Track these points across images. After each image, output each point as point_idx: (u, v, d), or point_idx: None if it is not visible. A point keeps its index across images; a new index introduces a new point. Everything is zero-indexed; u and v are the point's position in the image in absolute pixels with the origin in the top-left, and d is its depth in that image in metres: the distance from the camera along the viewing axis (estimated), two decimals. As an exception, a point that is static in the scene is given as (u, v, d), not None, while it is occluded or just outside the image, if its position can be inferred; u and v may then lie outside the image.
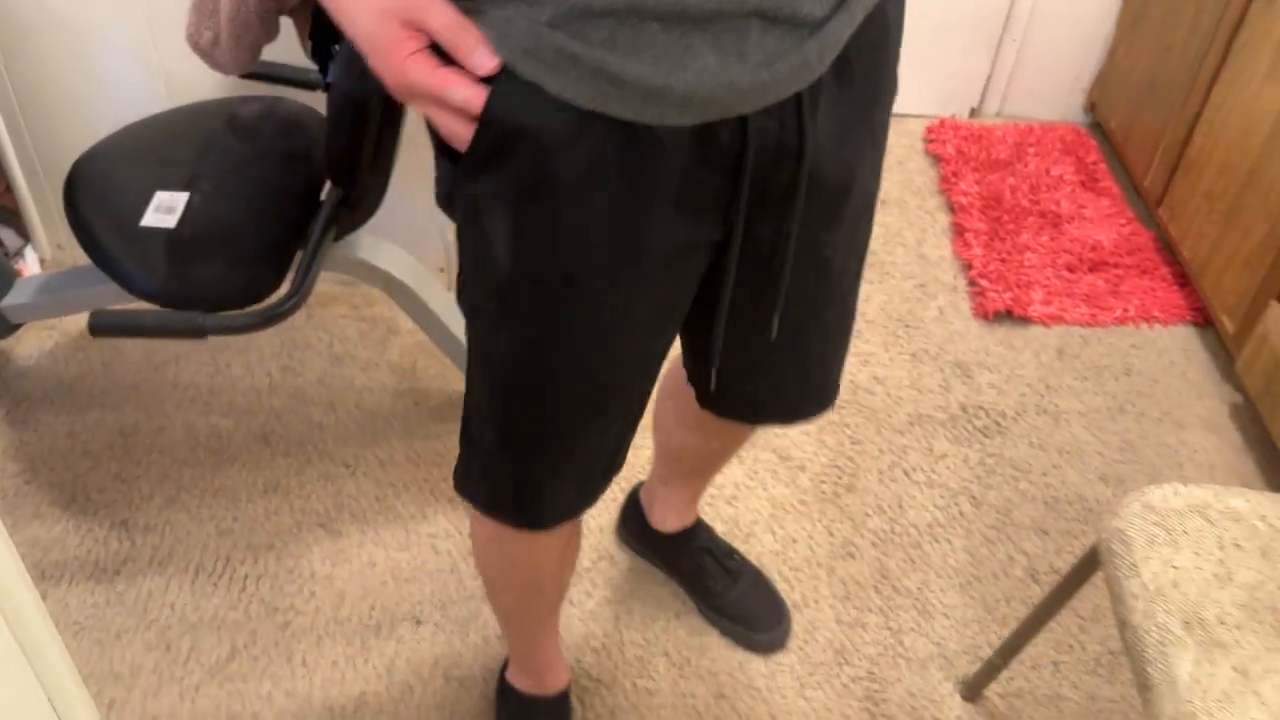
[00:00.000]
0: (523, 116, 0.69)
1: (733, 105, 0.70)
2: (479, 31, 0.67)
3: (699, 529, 1.46)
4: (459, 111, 0.69)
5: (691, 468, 1.34)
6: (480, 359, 0.87)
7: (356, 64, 1.15)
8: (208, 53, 1.18)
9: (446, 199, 0.80)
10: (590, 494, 0.96)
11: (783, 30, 0.69)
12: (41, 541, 1.51)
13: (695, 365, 1.02)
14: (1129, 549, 1.07)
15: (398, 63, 0.67)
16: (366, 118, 1.19)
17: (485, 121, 0.69)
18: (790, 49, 0.70)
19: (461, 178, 0.75)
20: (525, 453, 0.90)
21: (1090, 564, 1.17)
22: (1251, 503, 1.12)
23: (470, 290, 0.84)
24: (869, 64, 0.79)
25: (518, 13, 0.66)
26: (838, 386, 1.05)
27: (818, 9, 0.70)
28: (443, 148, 0.76)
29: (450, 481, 1.61)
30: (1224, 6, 1.88)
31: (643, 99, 0.67)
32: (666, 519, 1.43)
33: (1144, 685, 0.99)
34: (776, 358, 0.96)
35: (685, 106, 0.68)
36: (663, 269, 0.80)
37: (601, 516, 1.57)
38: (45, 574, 1.47)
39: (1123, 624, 1.04)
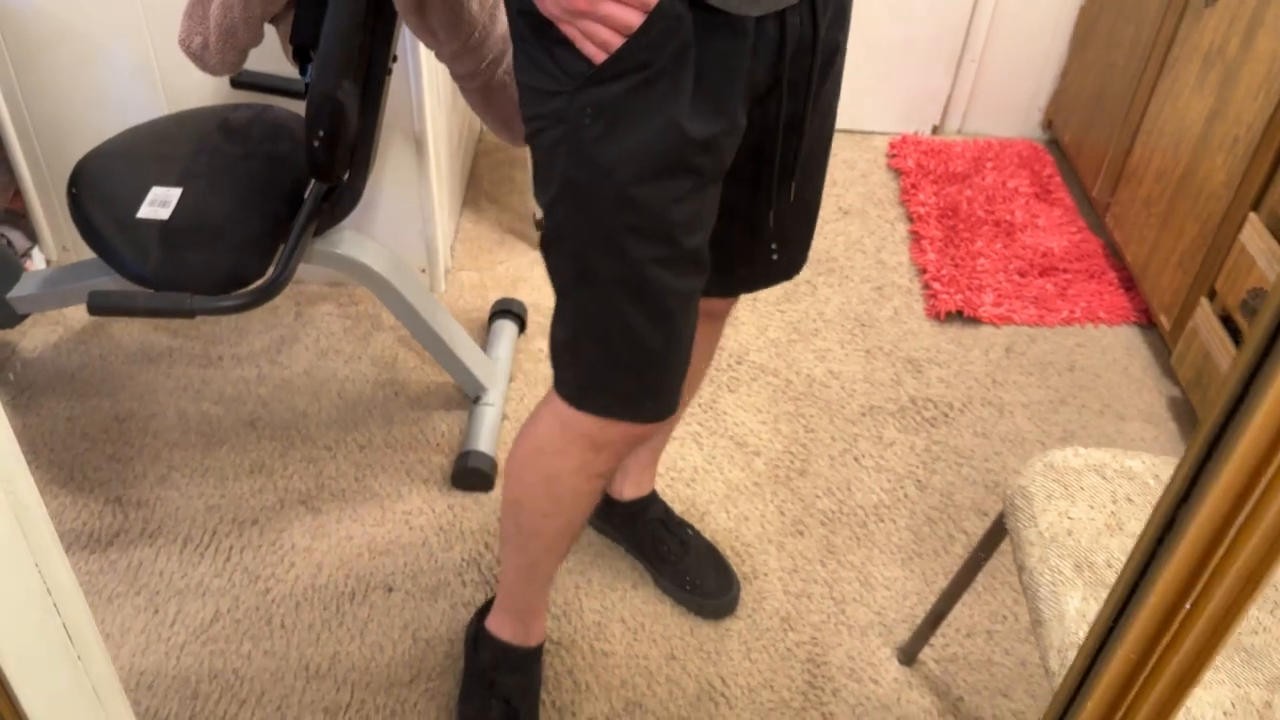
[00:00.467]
0: (668, 12, 0.88)
1: None
2: None
3: (655, 501, 1.56)
4: (639, 8, 0.87)
5: None
6: (600, 271, 0.99)
7: (332, 64, 1.27)
8: (198, 56, 1.30)
9: (552, 119, 0.94)
10: (685, 372, 1.10)
11: None
12: (41, 515, 1.61)
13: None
14: (1029, 502, 1.17)
15: None
16: (342, 115, 1.31)
17: (648, 20, 0.87)
18: None
19: (591, 85, 0.90)
20: (653, 341, 1.03)
21: (1002, 526, 1.27)
22: (1146, 464, 1.22)
23: (579, 206, 0.97)
24: None
25: None
26: (807, 251, 1.25)
27: None
28: (556, 75, 0.92)
29: (425, 464, 1.72)
30: (1158, 25, 2.00)
31: None
32: (625, 486, 1.54)
33: (1036, 621, 1.09)
34: (778, 217, 1.13)
35: (758, 2, 0.91)
36: (734, 148, 1.00)
37: (566, 496, 1.67)
38: (43, 544, 1.57)
39: (1021, 568, 1.13)
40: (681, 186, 0.96)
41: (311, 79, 1.28)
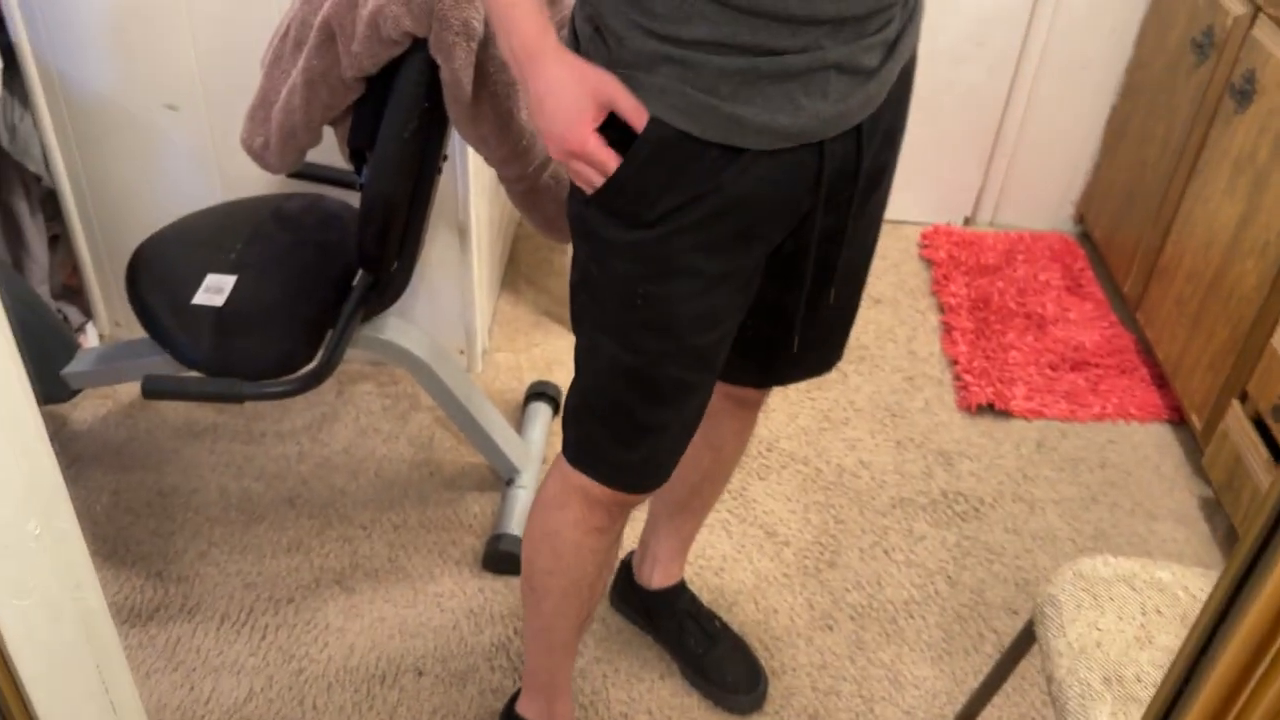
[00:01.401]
0: (666, 159, 0.93)
1: (819, 132, 0.95)
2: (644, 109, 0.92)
3: (683, 592, 1.57)
4: (601, 173, 0.95)
5: (679, 498, 1.46)
6: (606, 354, 1.06)
7: (387, 167, 1.33)
8: (259, 155, 1.36)
9: (576, 216, 1.02)
10: (680, 454, 1.15)
11: (850, 76, 0.94)
12: (84, 588, 1.65)
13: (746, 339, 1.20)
14: (1059, 611, 1.18)
15: (584, 132, 0.92)
16: (394, 214, 1.36)
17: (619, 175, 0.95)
18: (857, 89, 0.95)
19: (593, 209, 0.98)
20: (648, 422, 1.09)
21: (1032, 632, 1.27)
22: (1175, 575, 1.22)
23: (594, 295, 1.04)
24: (898, 99, 1.05)
25: (664, 78, 0.90)
26: (843, 349, 1.29)
27: (873, 60, 0.95)
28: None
29: (458, 545, 1.75)
30: (1189, 128, 2.04)
31: (757, 132, 0.92)
32: (654, 574, 1.55)
33: (1065, 734, 1.09)
34: (808, 322, 1.18)
35: (788, 135, 0.94)
36: (760, 255, 1.04)
37: (596, 583, 1.69)
38: (85, 617, 1.61)
39: (1049, 678, 1.14)
40: (688, 286, 1.01)
41: (366, 180, 1.33)
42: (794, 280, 1.12)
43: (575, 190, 1.01)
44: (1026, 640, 1.30)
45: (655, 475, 1.15)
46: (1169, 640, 1.14)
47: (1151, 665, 1.12)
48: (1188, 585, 1.21)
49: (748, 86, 0.90)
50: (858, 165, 1.02)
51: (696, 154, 0.93)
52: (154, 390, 1.42)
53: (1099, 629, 1.15)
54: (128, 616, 1.61)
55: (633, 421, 1.09)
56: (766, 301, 1.13)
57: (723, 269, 1.02)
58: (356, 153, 1.36)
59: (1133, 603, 1.18)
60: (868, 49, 0.94)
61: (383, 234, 1.38)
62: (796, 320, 1.17)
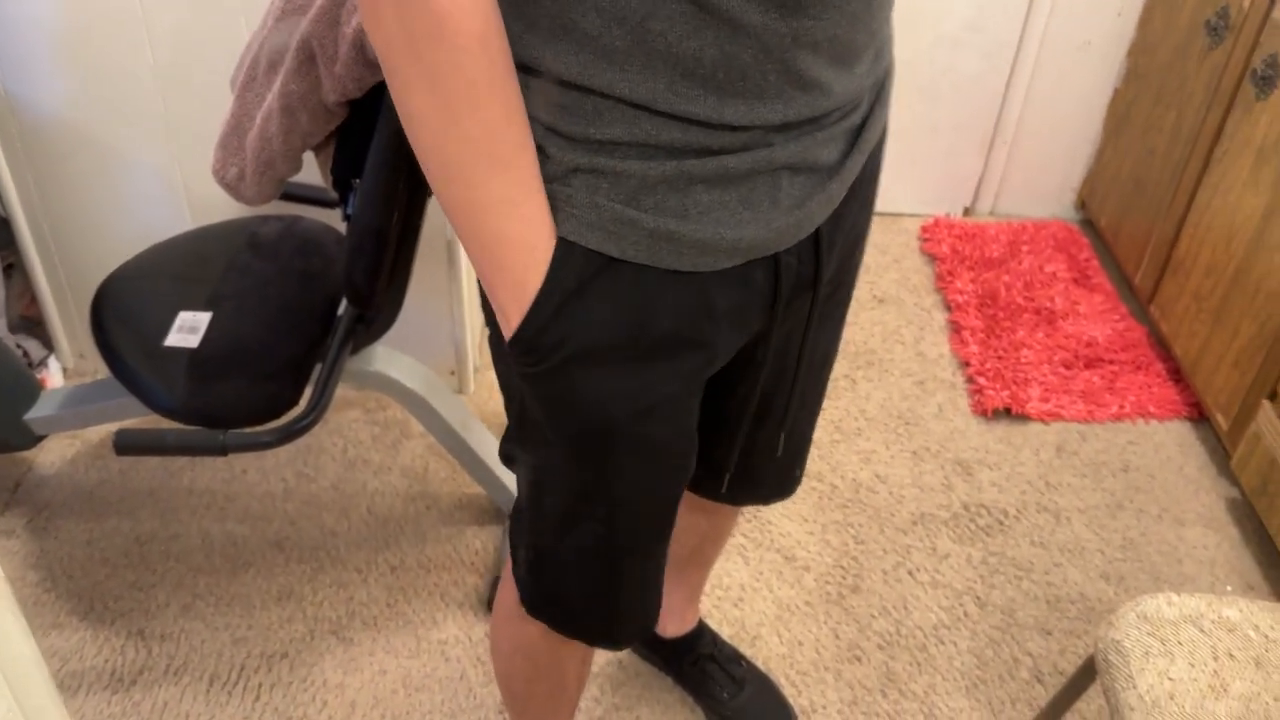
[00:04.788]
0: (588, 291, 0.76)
1: (771, 244, 0.79)
2: None
3: (702, 635, 1.48)
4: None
5: (680, 555, 1.36)
6: (566, 494, 0.90)
7: (376, 197, 1.21)
8: (233, 186, 1.24)
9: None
10: (659, 603, 1.02)
11: (806, 176, 0.79)
12: (60, 651, 1.53)
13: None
14: (1125, 660, 1.09)
15: None
16: (385, 247, 1.25)
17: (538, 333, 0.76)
18: (816, 189, 0.80)
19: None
20: (625, 567, 0.95)
21: (1088, 673, 1.20)
22: (1244, 612, 1.14)
23: (539, 433, 0.87)
24: (866, 184, 0.89)
25: (578, 190, 0.73)
26: (805, 466, 1.15)
27: (833, 155, 0.80)
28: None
29: (460, 586, 1.65)
30: (1203, 116, 1.96)
31: (698, 251, 0.76)
32: (667, 623, 1.46)
33: (1144, 799, 1.01)
34: (766, 443, 1.04)
35: (733, 252, 0.77)
36: (704, 379, 0.88)
37: (609, 621, 1.59)
38: (63, 684, 1.49)
39: (1121, 736, 1.06)
40: (663, 427, 0.87)
41: (355, 211, 1.22)
42: (733, 405, 0.98)
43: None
44: (1082, 680, 1.22)
45: (633, 625, 1.02)
46: (1244, 687, 1.06)
47: (1230, 717, 1.04)
48: (1258, 624, 1.13)
49: (677, 194, 0.74)
50: (816, 274, 0.85)
51: (614, 277, 0.76)
52: (127, 445, 1.30)
53: (1170, 679, 1.07)
54: (109, 681, 1.50)
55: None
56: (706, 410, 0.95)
57: (688, 411, 0.88)
58: (341, 181, 1.24)
59: (1203, 647, 1.10)
60: (826, 142, 0.78)
61: (374, 269, 1.27)
62: (733, 448, 1.02)
